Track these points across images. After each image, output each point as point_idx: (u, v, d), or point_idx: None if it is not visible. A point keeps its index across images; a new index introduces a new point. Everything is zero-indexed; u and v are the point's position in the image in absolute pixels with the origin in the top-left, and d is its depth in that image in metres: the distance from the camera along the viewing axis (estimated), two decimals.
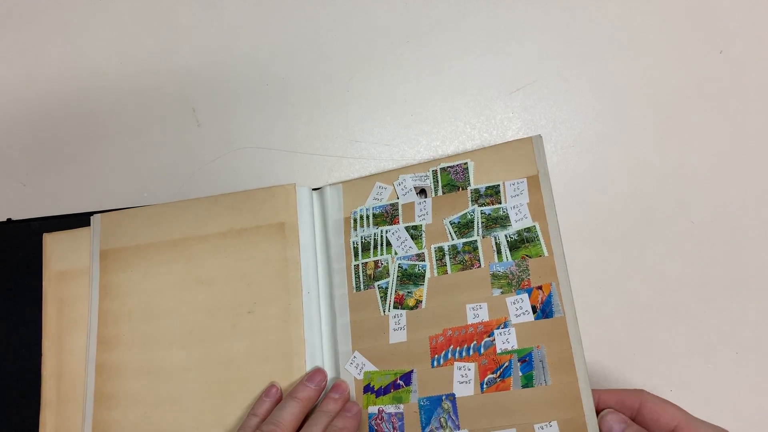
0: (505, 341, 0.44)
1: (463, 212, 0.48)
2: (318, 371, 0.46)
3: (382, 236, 0.50)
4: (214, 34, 0.61)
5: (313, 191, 0.53)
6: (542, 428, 0.41)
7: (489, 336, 0.45)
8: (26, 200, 0.57)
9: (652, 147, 0.55)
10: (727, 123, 0.56)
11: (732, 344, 0.50)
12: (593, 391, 0.41)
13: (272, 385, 0.46)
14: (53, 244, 0.54)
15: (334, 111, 0.56)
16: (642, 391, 0.41)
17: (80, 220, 0.54)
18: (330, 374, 0.48)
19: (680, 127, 0.56)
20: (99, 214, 0.53)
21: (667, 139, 0.56)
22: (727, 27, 0.60)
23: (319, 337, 0.49)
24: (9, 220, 0.55)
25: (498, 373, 0.44)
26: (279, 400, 0.46)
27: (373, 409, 0.46)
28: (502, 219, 0.47)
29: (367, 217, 0.51)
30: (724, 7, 0.60)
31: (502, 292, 0.45)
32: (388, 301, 0.48)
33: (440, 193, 0.50)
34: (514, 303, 0.45)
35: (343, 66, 0.60)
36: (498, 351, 0.44)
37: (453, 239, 0.48)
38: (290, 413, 0.43)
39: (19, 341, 0.52)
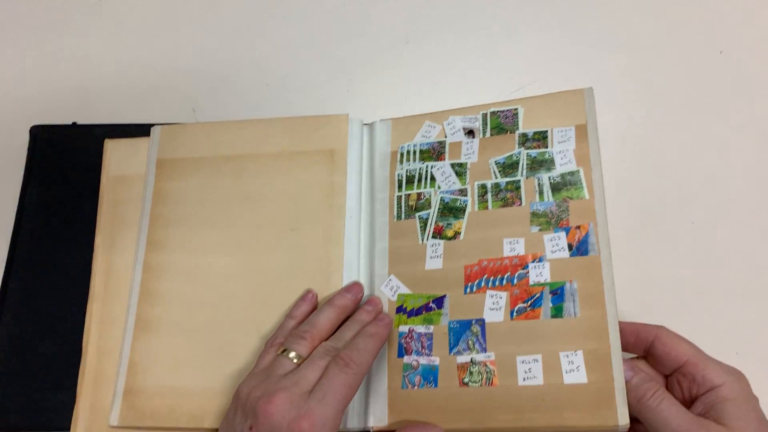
0: (539, 274, 0.46)
1: (509, 153, 0.50)
2: (356, 284, 0.49)
3: (426, 171, 0.52)
4: (214, 34, 0.62)
5: (364, 125, 0.55)
6: (567, 356, 0.43)
7: (523, 269, 0.46)
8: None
9: (652, 147, 0.56)
10: (727, 123, 0.57)
11: (732, 344, 0.50)
12: None
13: (309, 291, 0.49)
14: (113, 149, 0.57)
15: (334, 111, 0.56)
16: (660, 327, 0.43)
17: (141, 130, 0.57)
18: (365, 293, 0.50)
19: (680, 127, 0.57)
20: (159, 126, 0.56)
21: (667, 139, 0.56)
22: (727, 27, 0.60)
23: (357, 258, 0.51)
24: (74, 123, 0.58)
25: (529, 303, 0.45)
26: (315, 306, 0.48)
27: (403, 328, 0.48)
28: (547, 162, 0.49)
29: (414, 152, 0.53)
30: (724, 7, 0.61)
31: (540, 230, 0.47)
32: (427, 231, 0.50)
33: (488, 135, 0.52)
34: (551, 240, 0.46)
35: (343, 66, 0.60)
36: (531, 283, 0.46)
37: (497, 178, 0.50)
38: (326, 318, 0.46)
39: (74, 235, 0.55)
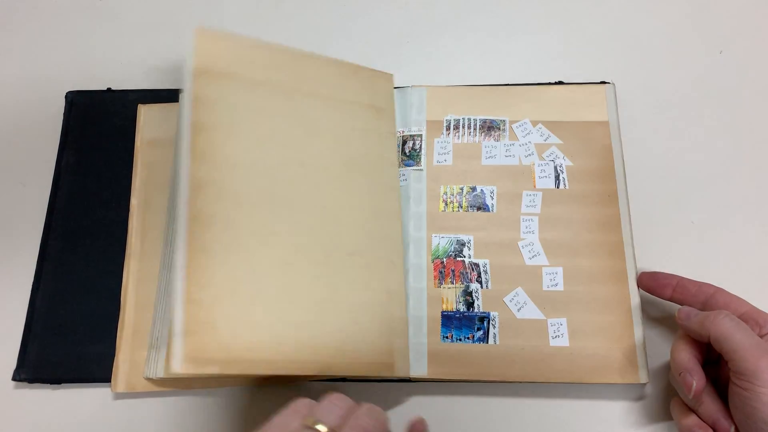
0: None
1: None
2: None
3: None
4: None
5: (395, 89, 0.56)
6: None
7: None
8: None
9: (651, 147, 0.56)
10: (727, 123, 0.57)
11: None
12: (675, 276, 0.47)
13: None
14: (146, 114, 0.58)
15: None
16: (721, 288, 0.45)
17: (173, 94, 0.58)
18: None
19: (680, 127, 0.57)
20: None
21: (667, 139, 0.56)
22: (727, 27, 0.60)
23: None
24: (109, 89, 0.60)
25: None
26: None
27: None
28: None
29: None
30: (724, 7, 0.61)
31: None
32: None
33: None
34: None
35: None
36: None
37: None
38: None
39: (109, 197, 0.56)
